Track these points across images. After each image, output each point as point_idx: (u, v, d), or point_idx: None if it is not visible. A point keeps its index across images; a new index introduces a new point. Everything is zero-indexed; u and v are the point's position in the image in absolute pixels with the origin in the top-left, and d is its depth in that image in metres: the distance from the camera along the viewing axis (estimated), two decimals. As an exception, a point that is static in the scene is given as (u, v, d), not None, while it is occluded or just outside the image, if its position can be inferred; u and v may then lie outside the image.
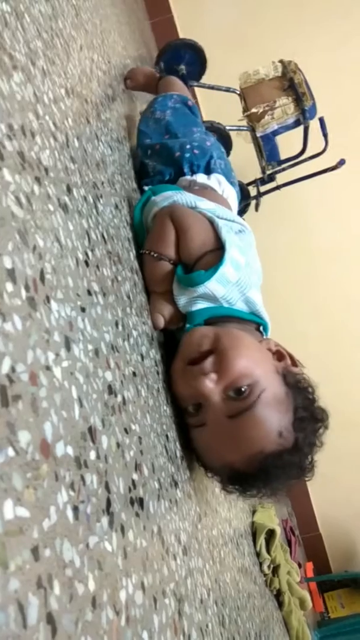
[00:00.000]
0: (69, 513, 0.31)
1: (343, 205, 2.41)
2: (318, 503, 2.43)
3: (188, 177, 0.93)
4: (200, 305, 0.74)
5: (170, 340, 0.78)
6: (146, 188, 0.87)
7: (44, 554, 0.27)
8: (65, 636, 0.27)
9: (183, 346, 0.71)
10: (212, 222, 0.76)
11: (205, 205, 0.81)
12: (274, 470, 0.64)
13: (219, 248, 0.73)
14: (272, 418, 0.64)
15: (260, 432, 0.63)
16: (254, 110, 1.79)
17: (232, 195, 0.98)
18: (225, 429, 0.64)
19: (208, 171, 0.96)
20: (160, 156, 0.94)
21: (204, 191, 0.91)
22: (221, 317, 0.74)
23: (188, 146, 0.94)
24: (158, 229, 0.77)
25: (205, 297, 0.73)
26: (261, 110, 1.80)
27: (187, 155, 0.93)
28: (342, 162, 1.88)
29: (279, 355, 0.73)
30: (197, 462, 0.71)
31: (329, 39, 2.36)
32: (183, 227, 0.75)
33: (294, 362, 0.74)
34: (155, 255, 0.74)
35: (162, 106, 1.02)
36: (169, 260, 0.75)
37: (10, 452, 0.27)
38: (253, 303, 0.76)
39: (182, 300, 0.73)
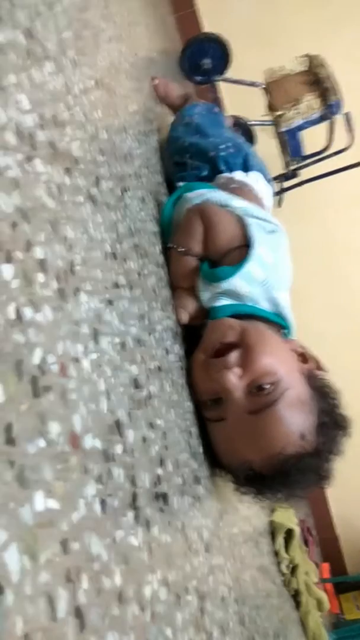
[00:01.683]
0: (97, 506, 0.31)
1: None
2: (335, 504, 2.41)
3: (226, 175, 0.93)
4: (224, 301, 0.73)
5: (192, 336, 0.78)
6: (180, 184, 0.87)
7: (73, 547, 0.27)
8: (93, 630, 0.27)
9: (206, 336, 0.69)
10: (241, 220, 0.75)
11: (238, 203, 0.80)
12: (293, 472, 0.62)
13: (247, 245, 0.72)
14: (295, 418, 0.62)
15: (281, 431, 0.62)
16: (279, 112, 1.76)
17: (267, 195, 0.97)
18: (246, 425, 0.62)
19: (245, 168, 0.95)
20: (196, 155, 0.94)
21: (241, 189, 0.90)
22: (244, 315, 0.72)
23: (222, 145, 0.94)
24: (186, 224, 0.77)
25: (229, 293, 0.72)
26: (288, 112, 1.78)
27: (223, 153, 0.93)
28: (365, 157, 1.85)
29: (304, 358, 0.72)
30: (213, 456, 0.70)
31: (355, 32, 2.31)
32: (211, 223, 0.74)
33: (319, 367, 0.72)
34: (181, 250, 0.73)
35: (190, 112, 1.04)
36: (195, 256, 0.74)
37: (42, 442, 0.26)
38: (279, 304, 0.74)
39: (205, 296, 0.73)
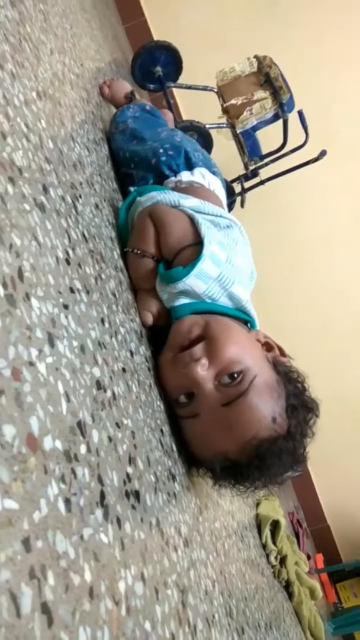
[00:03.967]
0: (61, 505, 0.31)
1: (328, 196, 2.42)
2: (324, 494, 2.44)
3: (173, 179, 0.94)
4: (182, 300, 0.74)
5: (159, 337, 0.78)
6: (132, 189, 0.87)
7: (35, 545, 0.27)
8: (62, 625, 0.27)
9: (172, 335, 0.70)
10: (192, 219, 0.75)
11: (189, 202, 0.81)
12: (268, 457, 0.63)
13: (198, 243, 0.73)
14: (266, 404, 0.64)
15: (254, 417, 0.63)
16: (232, 102, 1.79)
17: (217, 185, 0.98)
18: (219, 417, 0.63)
19: (189, 167, 0.95)
20: (139, 165, 0.94)
21: (192, 188, 0.91)
22: (204, 313, 0.73)
23: (161, 150, 0.94)
24: (139, 227, 0.77)
25: (186, 293, 0.73)
26: (239, 102, 1.80)
27: (163, 158, 0.93)
28: (323, 153, 1.89)
29: (268, 346, 0.74)
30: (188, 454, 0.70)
31: (302, 32, 2.38)
32: (162, 224, 0.75)
33: (283, 353, 0.74)
34: (137, 252, 0.74)
35: (122, 118, 1.03)
36: (151, 257, 0.75)
37: (-5, 445, 0.27)
38: (238, 299, 0.75)
39: (164, 297, 0.74)
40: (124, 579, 0.36)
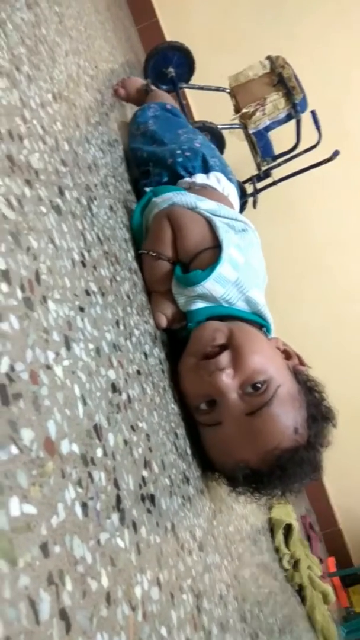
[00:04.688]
0: (78, 510, 0.31)
1: (341, 196, 2.40)
2: (336, 497, 2.42)
3: (187, 179, 0.93)
4: (199, 304, 0.73)
5: (172, 339, 0.78)
6: (147, 189, 0.87)
7: (53, 551, 0.27)
8: (80, 632, 0.27)
9: (194, 341, 0.70)
10: (209, 222, 0.75)
11: (206, 205, 0.80)
12: (290, 466, 0.63)
13: (216, 246, 0.72)
14: (288, 414, 0.64)
15: (277, 427, 0.63)
16: (245, 110, 1.79)
17: (232, 192, 0.98)
18: (243, 426, 0.63)
19: (206, 170, 0.95)
20: (156, 164, 0.94)
21: (205, 191, 0.91)
22: (222, 317, 0.73)
23: (178, 151, 0.94)
24: (155, 229, 0.77)
25: (204, 296, 0.72)
26: (252, 109, 1.80)
27: (180, 159, 0.93)
28: (336, 153, 1.88)
29: (287, 354, 0.73)
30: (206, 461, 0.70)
31: (314, 31, 2.36)
32: (179, 227, 0.75)
33: (302, 362, 0.73)
34: (153, 254, 0.74)
35: (144, 118, 1.03)
36: (167, 260, 0.74)
37: (14, 449, 0.27)
38: (255, 303, 0.75)
39: (181, 300, 0.73)
40: (140, 584, 0.36)
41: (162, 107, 1.07)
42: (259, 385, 0.63)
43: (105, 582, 0.31)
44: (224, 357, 0.64)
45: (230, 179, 0.98)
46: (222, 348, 0.66)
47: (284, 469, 0.63)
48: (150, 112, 1.04)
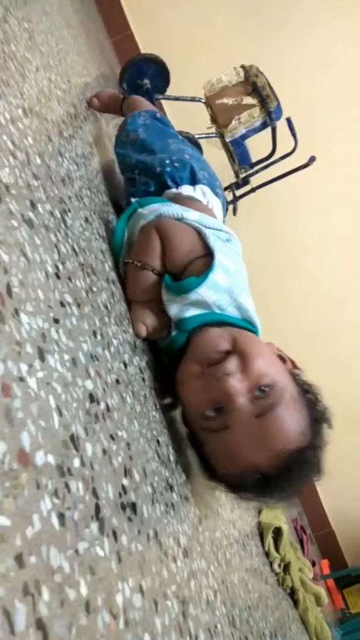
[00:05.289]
0: (54, 520, 0.31)
1: (320, 201, 2.44)
2: (327, 500, 2.43)
3: (173, 190, 0.94)
4: (193, 312, 0.74)
5: (153, 348, 0.79)
6: (133, 200, 0.88)
7: (29, 561, 0.27)
8: (58, 642, 0.27)
9: (196, 348, 0.70)
10: (198, 231, 0.77)
11: (192, 215, 0.82)
12: (297, 468, 0.64)
13: (207, 255, 0.74)
14: (294, 416, 0.66)
15: (285, 429, 0.64)
16: (224, 100, 1.80)
17: (217, 206, 0.99)
18: (253, 429, 0.64)
19: (193, 182, 0.96)
20: (143, 171, 0.95)
21: (190, 202, 0.92)
22: (214, 323, 0.74)
23: (167, 161, 0.95)
24: (143, 240, 0.78)
25: (196, 303, 0.74)
26: (230, 102, 1.82)
27: (168, 169, 0.94)
28: (312, 159, 1.91)
29: (281, 358, 0.75)
30: (203, 470, 0.70)
31: (287, 39, 2.40)
32: (169, 237, 0.76)
33: (295, 365, 0.75)
34: (139, 264, 0.75)
35: (133, 126, 1.03)
36: (152, 270, 0.75)
37: (-15, 462, 0.27)
38: (245, 309, 0.77)
39: (173, 309, 0.74)
40: (121, 591, 0.36)
41: (152, 116, 1.08)
42: (265, 388, 0.65)
43: (84, 591, 0.31)
44: (233, 363, 0.65)
45: (217, 194, 0.99)
46: (226, 354, 0.67)
47: (291, 471, 0.64)
48: (140, 120, 1.05)
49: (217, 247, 0.75)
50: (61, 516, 0.32)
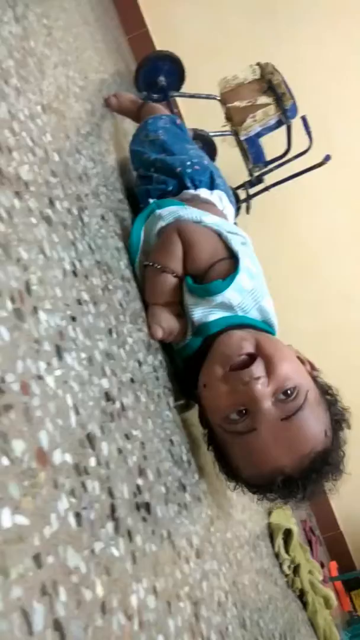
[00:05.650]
0: (71, 520, 0.31)
1: (333, 200, 2.42)
2: (336, 501, 2.41)
3: (192, 191, 0.94)
4: (218, 314, 0.74)
5: (167, 348, 0.78)
6: (151, 201, 0.89)
7: (46, 561, 0.27)
8: (75, 643, 0.27)
9: (219, 350, 0.70)
10: (219, 235, 0.78)
11: (210, 219, 0.83)
12: (322, 469, 0.65)
13: (229, 258, 0.75)
14: (319, 418, 0.66)
15: (311, 431, 0.65)
16: (236, 103, 1.79)
17: (230, 213, 1.00)
18: (279, 432, 0.64)
19: (211, 187, 0.97)
20: (161, 170, 0.95)
21: (207, 206, 0.92)
22: (236, 326, 0.74)
23: (188, 162, 0.95)
24: (165, 243, 0.78)
25: (222, 306, 0.74)
26: (243, 104, 1.81)
27: (189, 170, 0.94)
28: (327, 158, 1.89)
29: (301, 361, 0.74)
30: (224, 470, 0.70)
31: (303, 37, 2.38)
32: (191, 241, 0.77)
33: (314, 367, 0.75)
34: (159, 267, 0.75)
35: (154, 127, 1.04)
36: (172, 273, 0.75)
37: (5, 461, 0.27)
38: (266, 311, 0.77)
39: (198, 312, 0.74)
40: (136, 592, 0.36)
41: (172, 121, 1.09)
42: (290, 391, 0.65)
43: (100, 591, 0.31)
44: (259, 367, 0.65)
45: (231, 202, 1.00)
46: (250, 356, 0.66)
47: (318, 472, 0.65)
48: (161, 122, 1.06)
49: (240, 249, 0.75)
50: (78, 516, 0.32)
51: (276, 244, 2.38)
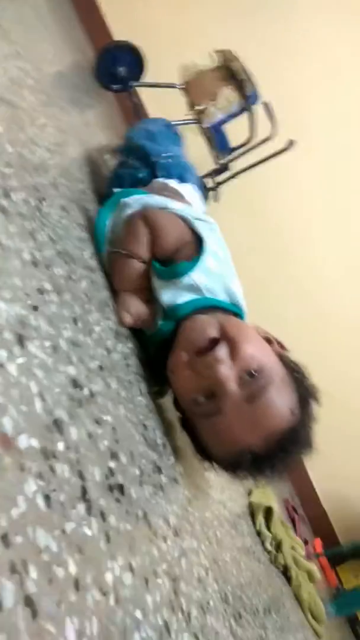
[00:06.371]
0: (40, 501, 0.32)
1: (302, 184, 2.44)
2: (318, 480, 2.47)
3: (162, 180, 0.97)
4: (186, 297, 0.75)
5: (138, 336, 0.79)
6: (115, 190, 0.90)
7: (14, 541, 0.27)
8: (48, 617, 0.28)
9: (184, 335, 0.71)
10: (185, 220, 0.79)
11: (175, 205, 0.84)
12: (289, 447, 0.66)
13: (195, 241, 0.76)
14: (284, 397, 0.67)
15: (276, 411, 0.66)
16: (198, 108, 1.81)
17: (198, 206, 1.01)
18: (244, 413, 0.65)
19: (181, 180, 0.99)
20: (139, 156, 0.98)
21: (174, 195, 0.93)
22: (203, 310, 0.75)
23: (164, 154, 0.98)
24: (131, 229, 0.79)
25: (189, 288, 0.75)
26: (206, 87, 1.82)
27: (163, 161, 0.97)
28: (291, 143, 1.91)
29: (268, 340, 0.75)
30: (197, 451, 0.72)
31: (262, 23, 2.39)
32: (157, 226, 0.77)
33: (282, 346, 0.76)
34: (124, 252, 0.75)
35: (153, 123, 1.10)
36: (139, 259, 0.76)
37: (-33, 445, 0.27)
38: (233, 293, 0.78)
39: (166, 295, 0.75)
40: (110, 570, 0.37)
41: (169, 126, 1.17)
42: (254, 372, 0.65)
43: (73, 569, 0.32)
44: (223, 350, 0.66)
45: (201, 197, 1.02)
46: (216, 341, 0.67)
47: (284, 450, 0.66)
48: (160, 122, 1.14)
49: (205, 234, 0.76)
50: (47, 498, 0.32)
51: (249, 230, 2.40)
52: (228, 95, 1.81)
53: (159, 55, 2.06)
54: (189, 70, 1.87)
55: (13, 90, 0.65)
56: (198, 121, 1.84)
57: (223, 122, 1.87)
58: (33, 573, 0.28)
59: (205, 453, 0.71)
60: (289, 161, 2.01)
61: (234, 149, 1.96)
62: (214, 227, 0.86)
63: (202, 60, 1.86)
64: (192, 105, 1.84)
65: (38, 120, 0.73)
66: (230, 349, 0.66)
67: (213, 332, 0.68)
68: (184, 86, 1.84)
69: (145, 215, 0.79)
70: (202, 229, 0.78)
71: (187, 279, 0.73)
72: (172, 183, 0.97)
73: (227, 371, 0.65)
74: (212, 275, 0.75)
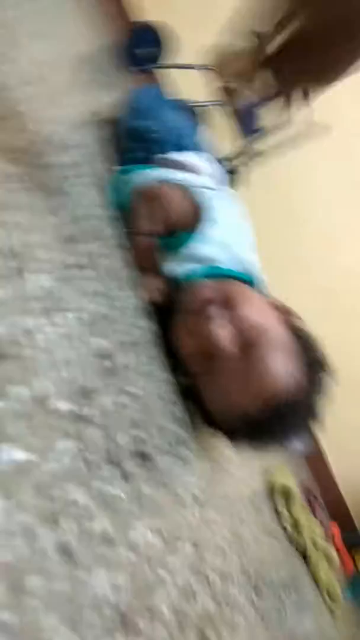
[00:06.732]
0: (69, 459, 0.33)
1: (331, 169, 2.40)
2: (336, 465, 2.46)
3: (160, 155, 0.95)
4: (193, 266, 0.75)
5: (162, 311, 0.80)
6: (118, 168, 0.90)
7: (48, 493, 0.29)
8: (81, 566, 0.29)
9: (184, 301, 0.71)
10: (187, 190, 0.79)
11: (178, 176, 0.84)
12: (289, 413, 0.64)
13: (199, 212, 0.76)
14: (283, 360, 0.65)
15: (273, 373, 0.64)
16: (232, 66, 1.77)
17: (206, 169, 0.99)
18: (240, 373, 0.64)
19: (179, 149, 0.97)
20: (133, 137, 0.97)
21: (175, 167, 0.93)
22: (214, 277, 0.74)
23: (155, 127, 0.97)
24: (136, 206, 0.79)
25: (194, 258, 0.75)
26: (236, 85, 1.79)
27: (154, 136, 0.95)
28: (325, 129, 1.88)
29: (277, 307, 0.74)
30: (202, 418, 0.71)
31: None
32: (160, 200, 0.77)
33: (293, 314, 0.75)
34: (134, 230, 0.76)
35: (142, 95, 1.07)
36: (148, 235, 0.77)
37: (1, 403, 0.28)
38: (243, 261, 0.77)
39: (171, 266, 0.75)
40: (136, 529, 0.38)
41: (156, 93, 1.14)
42: (251, 333, 0.65)
43: (101, 524, 0.33)
44: (215, 309, 0.66)
45: (208, 160, 1.00)
46: (210, 301, 0.67)
47: (282, 416, 0.64)
48: (144, 92, 1.10)
49: (208, 203, 0.76)
50: (76, 456, 0.34)
51: (275, 216, 2.36)
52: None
53: (185, 36, 2.03)
54: (220, 49, 1.85)
55: (46, 71, 0.66)
56: (227, 102, 1.81)
57: (254, 104, 1.84)
58: (64, 524, 0.29)
59: (208, 419, 0.69)
60: (322, 147, 1.98)
61: (263, 131, 1.93)
62: (224, 195, 0.85)
63: (234, 40, 1.83)
64: (221, 87, 1.81)
65: (61, 101, 0.73)
66: (225, 308, 0.66)
67: (208, 293, 0.68)
68: (213, 67, 1.82)
69: (147, 191, 0.79)
70: (206, 197, 0.77)
71: (186, 250, 0.73)
72: (171, 155, 0.95)
73: (219, 330, 0.64)
74: (215, 244, 0.74)
